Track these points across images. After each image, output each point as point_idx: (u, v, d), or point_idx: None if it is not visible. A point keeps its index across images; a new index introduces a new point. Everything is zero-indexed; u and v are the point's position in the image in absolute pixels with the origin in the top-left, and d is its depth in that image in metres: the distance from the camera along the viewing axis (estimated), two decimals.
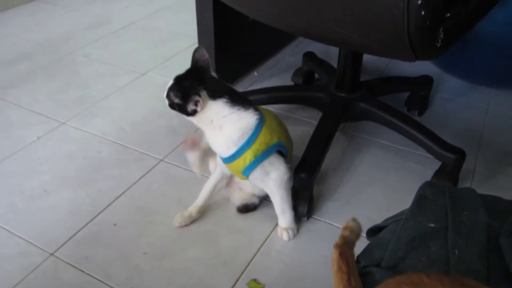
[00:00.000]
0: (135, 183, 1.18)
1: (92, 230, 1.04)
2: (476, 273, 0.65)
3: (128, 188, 1.16)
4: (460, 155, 1.12)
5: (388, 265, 0.68)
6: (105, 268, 0.95)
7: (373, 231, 0.81)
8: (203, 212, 1.08)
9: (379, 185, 1.18)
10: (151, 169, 1.22)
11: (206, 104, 0.89)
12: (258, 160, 0.93)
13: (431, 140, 1.16)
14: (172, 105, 0.91)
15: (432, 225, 0.72)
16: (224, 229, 1.05)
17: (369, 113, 1.27)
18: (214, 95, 0.90)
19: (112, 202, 1.12)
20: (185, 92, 0.88)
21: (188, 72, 0.94)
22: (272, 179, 0.97)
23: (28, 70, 1.71)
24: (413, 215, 0.74)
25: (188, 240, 1.02)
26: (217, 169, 1.07)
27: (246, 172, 0.95)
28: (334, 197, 1.14)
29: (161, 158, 1.26)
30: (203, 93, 0.88)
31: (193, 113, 0.90)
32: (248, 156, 0.92)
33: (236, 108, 0.91)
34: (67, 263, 0.96)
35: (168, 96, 0.91)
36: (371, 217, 1.00)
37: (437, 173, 1.17)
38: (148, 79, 1.67)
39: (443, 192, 0.79)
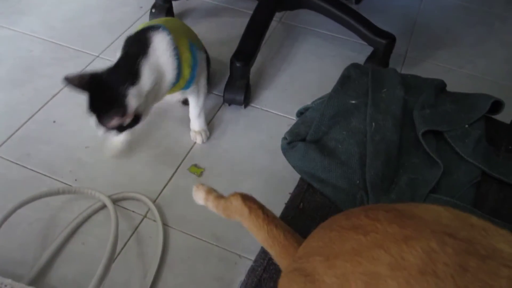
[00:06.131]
0: None
1: (32, 128, 1.04)
2: (389, 142, 0.72)
3: (65, 86, 1.14)
4: (390, 39, 1.17)
5: (312, 139, 0.74)
6: (48, 163, 0.97)
7: (302, 112, 0.86)
8: None
9: (315, 73, 1.22)
10: (87, 65, 1.20)
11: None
12: (195, 63, 0.92)
13: (363, 26, 1.19)
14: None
15: (353, 101, 0.78)
16: (164, 121, 1.08)
17: (305, 1, 1.26)
18: None
19: (50, 100, 1.11)
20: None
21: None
22: (202, 79, 0.98)
23: None
24: (336, 93, 0.79)
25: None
26: None
27: (191, 80, 0.93)
28: (271, 86, 1.18)
29: (97, 54, 1.23)
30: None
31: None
32: (186, 69, 0.91)
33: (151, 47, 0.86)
34: (9, 160, 0.97)
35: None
36: (305, 101, 1.04)
37: (369, 59, 1.21)
38: None
39: (366, 72, 0.84)
